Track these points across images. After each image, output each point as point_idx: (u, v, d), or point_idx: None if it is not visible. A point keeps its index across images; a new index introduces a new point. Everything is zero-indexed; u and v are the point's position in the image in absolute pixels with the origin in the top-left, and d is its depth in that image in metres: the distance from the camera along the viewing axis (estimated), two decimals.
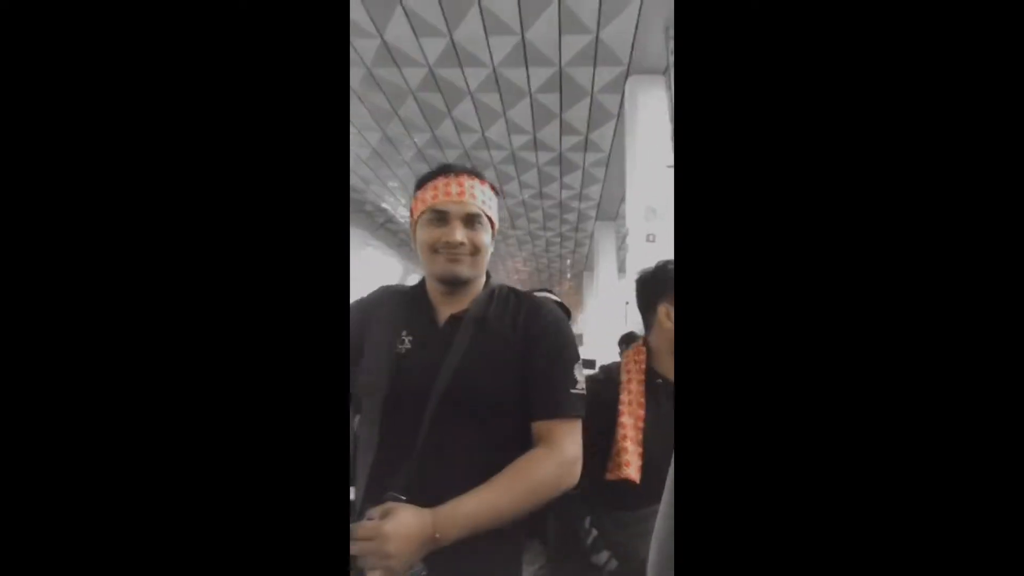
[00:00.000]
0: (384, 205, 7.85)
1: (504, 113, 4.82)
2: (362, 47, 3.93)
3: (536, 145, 5.44)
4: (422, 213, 0.79)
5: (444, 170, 0.80)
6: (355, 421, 0.78)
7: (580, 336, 10.47)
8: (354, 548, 0.60)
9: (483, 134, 5.26)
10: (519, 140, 5.36)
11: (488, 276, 0.85)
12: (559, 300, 1.16)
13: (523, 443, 0.74)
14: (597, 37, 3.66)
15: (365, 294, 0.90)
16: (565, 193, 6.85)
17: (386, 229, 8.86)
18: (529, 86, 4.34)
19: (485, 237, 0.79)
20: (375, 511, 0.63)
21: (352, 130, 5.41)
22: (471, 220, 0.78)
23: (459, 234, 0.76)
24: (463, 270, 0.77)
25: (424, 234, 0.78)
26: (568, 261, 10.87)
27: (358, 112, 4.98)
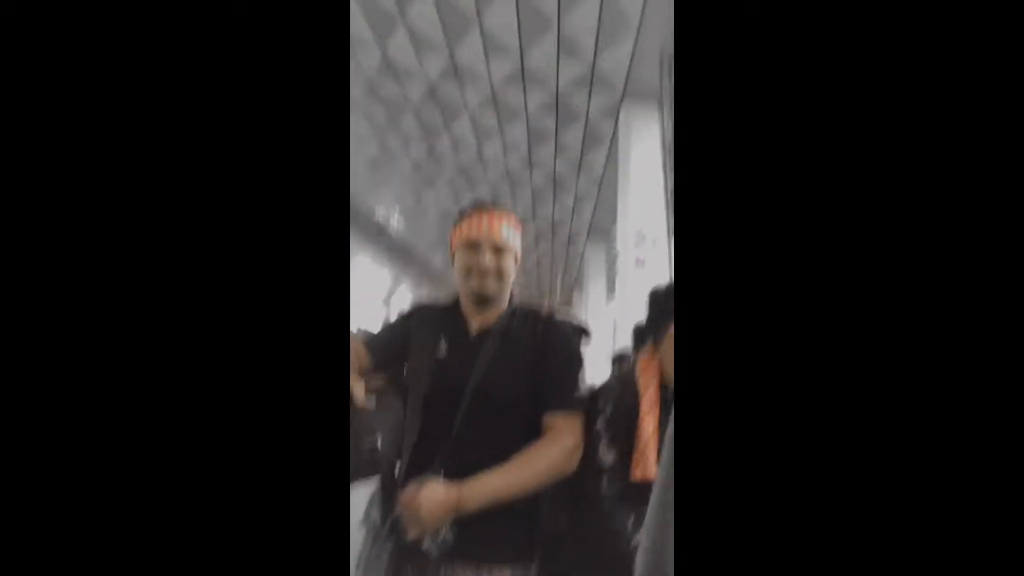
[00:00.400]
0: (376, 216, 7.87)
1: (500, 131, 4.88)
2: (364, 60, 3.99)
3: (530, 164, 5.51)
4: (459, 243, 0.97)
5: (479, 208, 0.98)
6: (402, 412, 0.93)
7: None
8: (397, 511, 0.78)
9: (479, 151, 5.32)
10: (514, 159, 5.42)
11: (512, 296, 1.02)
12: (582, 326, 1.23)
13: (534, 434, 0.90)
14: (594, 63, 3.74)
15: (405, 308, 1.08)
16: (557, 212, 6.92)
17: (378, 239, 8.86)
18: (526, 107, 4.41)
19: (509, 263, 0.97)
20: (413, 484, 0.79)
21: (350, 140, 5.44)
22: (499, 249, 0.95)
23: (488, 260, 0.94)
24: (490, 290, 0.95)
25: (460, 260, 0.97)
26: (558, 279, 10.92)
27: (356, 123, 5.02)
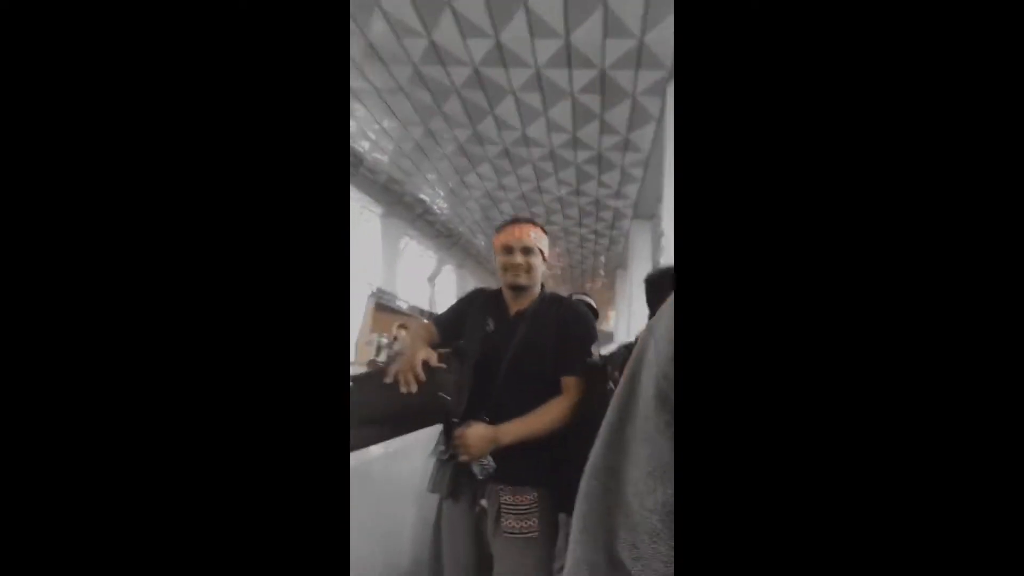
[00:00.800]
0: (422, 196, 8.02)
1: (545, 112, 4.87)
2: (410, 46, 4.05)
3: (575, 144, 5.48)
4: (498, 246, 1.30)
5: (513, 221, 1.31)
6: (462, 373, 1.25)
7: (611, 335, 10.43)
8: (453, 444, 1.11)
9: (523, 132, 5.32)
10: (559, 138, 5.40)
11: (543, 286, 1.34)
12: (591, 303, 1.73)
13: (554, 393, 1.20)
14: (641, 41, 3.67)
15: (464, 293, 1.45)
16: (602, 191, 6.85)
17: (424, 220, 9.03)
18: (571, 87, 4.38)
19: (536, 261, 1.28)
20: (463, 425, 1.12)
21: (396, 124, 5.56)
22: (527, 251, 1.27)
23: (519, 258, 1.26)
24: (522, 281, 1.27)
25: (499, 259, 1.30)
26: (602, 258, 10.84)
27: (403, 107, 5.12)
